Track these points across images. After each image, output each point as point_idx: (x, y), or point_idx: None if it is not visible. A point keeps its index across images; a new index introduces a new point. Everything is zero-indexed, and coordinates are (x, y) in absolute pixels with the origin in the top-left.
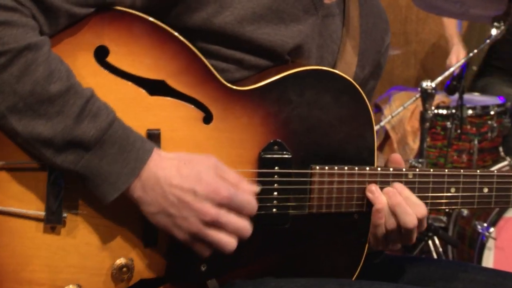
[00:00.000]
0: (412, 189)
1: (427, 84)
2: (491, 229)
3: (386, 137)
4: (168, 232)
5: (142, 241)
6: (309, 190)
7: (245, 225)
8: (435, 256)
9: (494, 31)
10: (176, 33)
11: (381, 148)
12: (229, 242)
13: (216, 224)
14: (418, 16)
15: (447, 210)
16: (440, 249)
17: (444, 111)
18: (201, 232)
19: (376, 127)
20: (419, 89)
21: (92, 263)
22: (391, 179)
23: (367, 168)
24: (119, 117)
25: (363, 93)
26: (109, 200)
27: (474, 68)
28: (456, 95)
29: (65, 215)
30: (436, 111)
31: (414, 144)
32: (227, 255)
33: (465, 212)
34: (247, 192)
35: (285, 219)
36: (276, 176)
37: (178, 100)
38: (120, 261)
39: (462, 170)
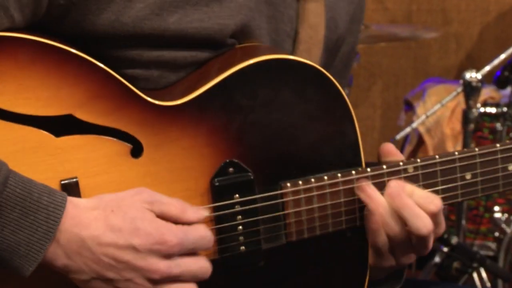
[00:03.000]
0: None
1: (471, 75)
2: None
3: (420, 142)
4: None
5: None
6: (283, 216)
7: (203, 266)
8: None
9: None
10: (73, 50)
11: (413, 156)
12: None
13: (168, 279)
14: None
15: (461, 201)
16: (488, 284)
17: (493, 110)
18: None
19: (407, 130)
20: (461, 81)
21: None
22: (386, 178)
23: (353, 172)
24: (14, 170)
25: (332, 76)
26: (26, 275)
27: None
28: (509, 89)
29: None
30: (482, 109)
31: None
32: None
33: None
34: (196, 224)
35: (258, 256)
36: (237, 206)
37: (95, 135)
38: None
39: (477, 149)
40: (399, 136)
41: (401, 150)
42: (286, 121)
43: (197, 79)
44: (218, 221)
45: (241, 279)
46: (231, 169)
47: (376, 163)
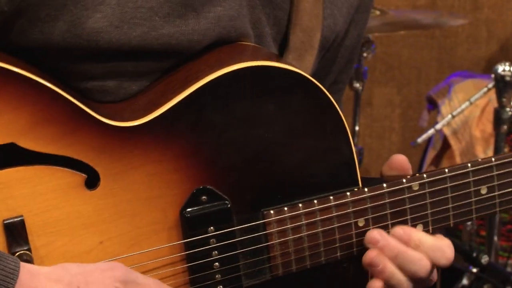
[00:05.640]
0: (423, 206)
1: (504, 68)
2: None
3: (445, 146)
4: None
5: None
6: (266, 249)
7: None
8: None
9: None
10: (14, 68)
11: (437, 162)
12: None
13: None
14: None
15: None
16: None
17: None
18: None
19: (430, 131)
20: (492, 75)
21: None
22: (387, 200)
23: (348, 194)
24: None
25: (321, 85)
26: None
27: None
28: None
29: None
30: None
31: (485, 157)
32: None
33: None
34: None
35: None
36: (213, 241)
37: (42, 165)
38: None
39: (493, 159)
40: (420, 139)
41: (424, 155)
42: (268, 139)
43: (162, 90)
44: (190, 259)
45: None
46: (204, 197)
47: (377, 178)
